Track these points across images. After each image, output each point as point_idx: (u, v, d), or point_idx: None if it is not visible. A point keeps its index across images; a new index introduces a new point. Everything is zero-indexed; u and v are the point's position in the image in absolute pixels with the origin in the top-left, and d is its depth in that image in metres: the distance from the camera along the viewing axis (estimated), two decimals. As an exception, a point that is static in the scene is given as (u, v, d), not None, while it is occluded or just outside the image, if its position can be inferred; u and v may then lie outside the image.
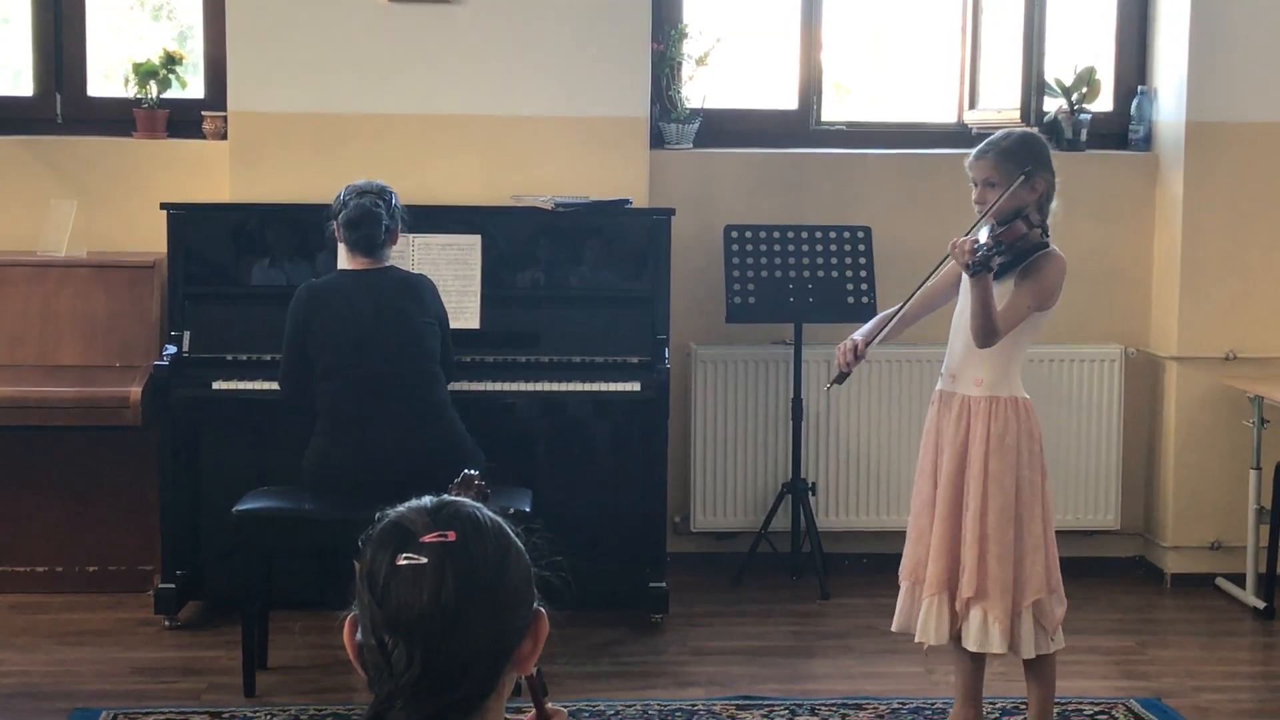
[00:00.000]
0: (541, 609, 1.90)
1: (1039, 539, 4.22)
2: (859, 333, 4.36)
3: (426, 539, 1.82)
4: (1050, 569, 4.24)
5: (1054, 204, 4.25)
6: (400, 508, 1.89)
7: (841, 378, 4.33)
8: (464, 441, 4.83)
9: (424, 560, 1.80)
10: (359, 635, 1.84)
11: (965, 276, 4.18)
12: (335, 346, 4.81)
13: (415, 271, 5.13)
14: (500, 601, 1.83)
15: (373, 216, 4.82)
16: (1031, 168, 4.17)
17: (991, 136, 4.27)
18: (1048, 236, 4.20)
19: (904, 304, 4.34)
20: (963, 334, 4.26)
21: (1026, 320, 4.19)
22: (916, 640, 4.30)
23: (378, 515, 1.89)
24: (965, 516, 4.20)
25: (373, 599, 1.82)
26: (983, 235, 4.11)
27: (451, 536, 1.82)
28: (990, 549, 4.17)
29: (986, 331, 4.12)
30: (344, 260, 4.97)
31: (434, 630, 1.78)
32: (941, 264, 4.32)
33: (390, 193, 4.92)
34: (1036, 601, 4.20)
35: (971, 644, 4.21)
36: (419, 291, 4.89)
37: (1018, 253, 4.15)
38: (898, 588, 4.48)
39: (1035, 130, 4.29)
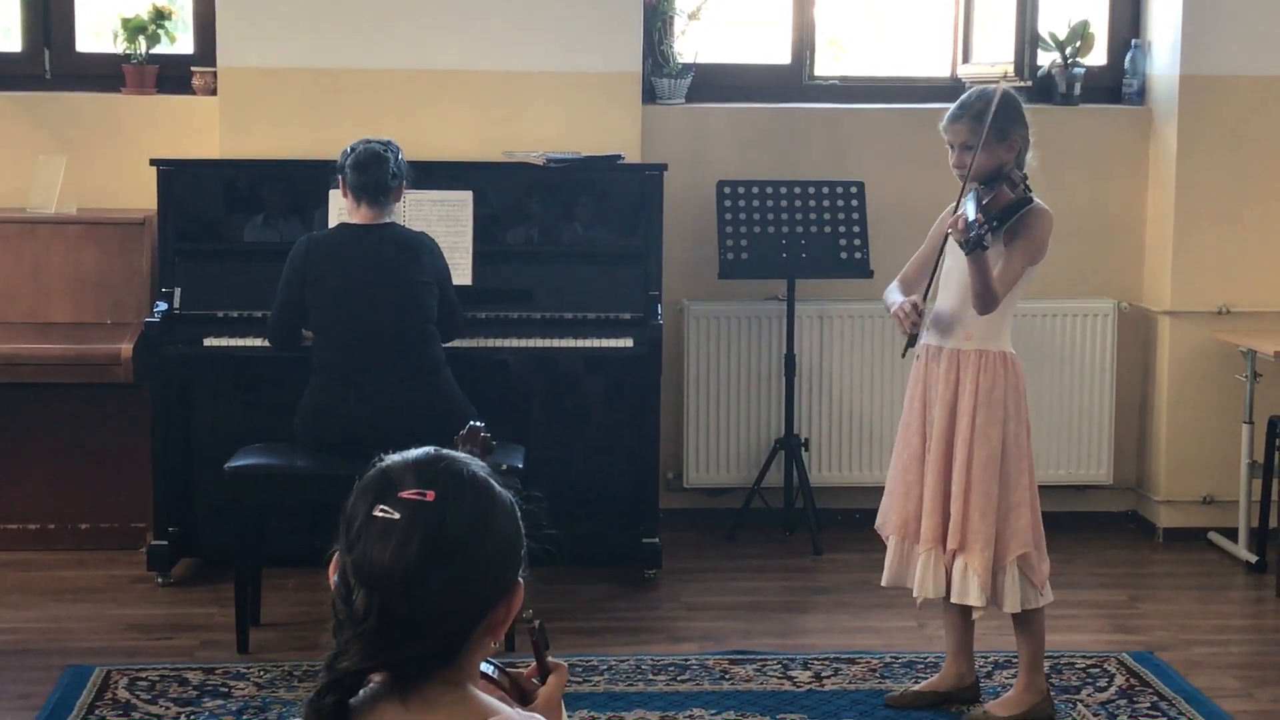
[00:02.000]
0: (521, 580, 1.88)
1: (1025, 493, 4.23)
2: (901, 295, 4.29)
3: (404, 494, 1.81)
4: (1035, 524, 4.25)
5: (1029, 155, 4.25)
6: (395, 456, 1.88)
7: (913, 340, 4.28)
8: (456, 398, 4.82)
9: (396, 516, 1.79)
10: (336, 575, 1.85)
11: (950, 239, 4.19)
12: (331, 300, 4.80)
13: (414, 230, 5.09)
14: (469, 568, 1.81)
15: (381, 159, 4.81)
16: (1013, 134, 4.17)
17: (963, 98, 4.27)
18: (1029, 190, 4.20)
19: (933, 275, 4.31)
20: (951, 290, 4.27)
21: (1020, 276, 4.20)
22: (915, 596, 4.31)
23: (375, 459, 1.89)
24: (953, 469, 4.22)
25: (345, 542, 1.82)
26: (970, 210, 4.08)
27: (430, 496, 1.81)
28: (974, 501, 4.19)
29: (987, 300, 4.13)
30: (347, 213, 4.94)
31: (392, 586, 1.77)
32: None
33: (397, 146, 4.91)
34: (1023, 556, 4.21)
35: (953, 595, 4.23)
36: (417, 251, 4.87)
37: (1003, 212, 4.14)
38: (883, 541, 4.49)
39: (1007, 86, 4.28)
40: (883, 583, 4.40)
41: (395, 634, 1.77)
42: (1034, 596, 4.26)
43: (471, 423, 2.16)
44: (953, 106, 4.26)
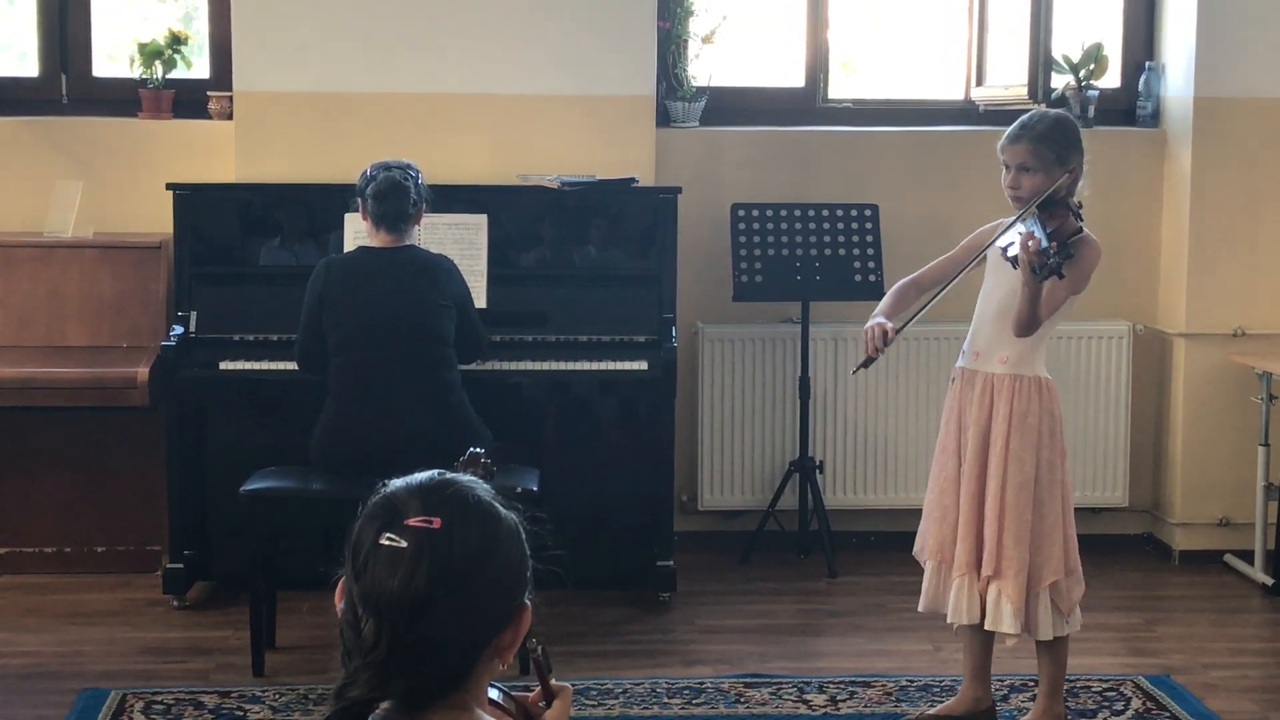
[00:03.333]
0: (528, 602, 1.88)
1: (1058, 520, 4.21)
2: (882, 314, 4.29)
3: (411, 522, 1.81)
4: (1069, 551, 4.23)
5: (1082, 183, 4.23)
6: (399, 482, 1.87)
7: (868, 362, 4.28)
8: (471, 422, 4.82)
9: (404, 544, 1.79)
10: (343, 602, 1.85)
11: (995, 257, 4.15)
12: (348, 323, 4.81)
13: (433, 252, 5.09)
14: (477, 593, 1.81)
15: (401, 189, 4.82)
16: (1072, 160, 4.15)
17: (1024, 120, 4.21)
18: (1081, 220, 4.18)
19: (937, 291, 4.30)
20: (991, 314, 4.24)
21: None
22: (949, 621, 4.28)
23: (379, 484, 1.88)
24: (986, 494, 4.20)
25: (353, 571, 1.82)
26: (1040, 233, 4.03)
27: (436, 524, 1.80)
28: (1007, 527, 4.17)
29: (1031, 326, 4.12)
30: (366, 237, 4.96)
31: (402, 614, 1.77)
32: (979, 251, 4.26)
33: (417, 169, 4.92)
34: (1053, 584, 4.20)
35: (987, 622, 4.21)
36: (435, 274, 4.87)
37: (1072, 241, 4.11)
38: (906, 565, 4.48)
39: (1065, 112, 4.25)
40: (919, 608, 4.37)
41: (404, 661, 1.77)
42: (1061, 624, 4.24)
43: (472, 449, 2.15)
44: (1012, 126, 4.22)
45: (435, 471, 1.89)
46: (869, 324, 4.27)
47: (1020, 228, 4.06)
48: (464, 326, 4.91)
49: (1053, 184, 4.12)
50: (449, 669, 1.80)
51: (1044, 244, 3.96)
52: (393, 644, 1.77)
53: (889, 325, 4.24)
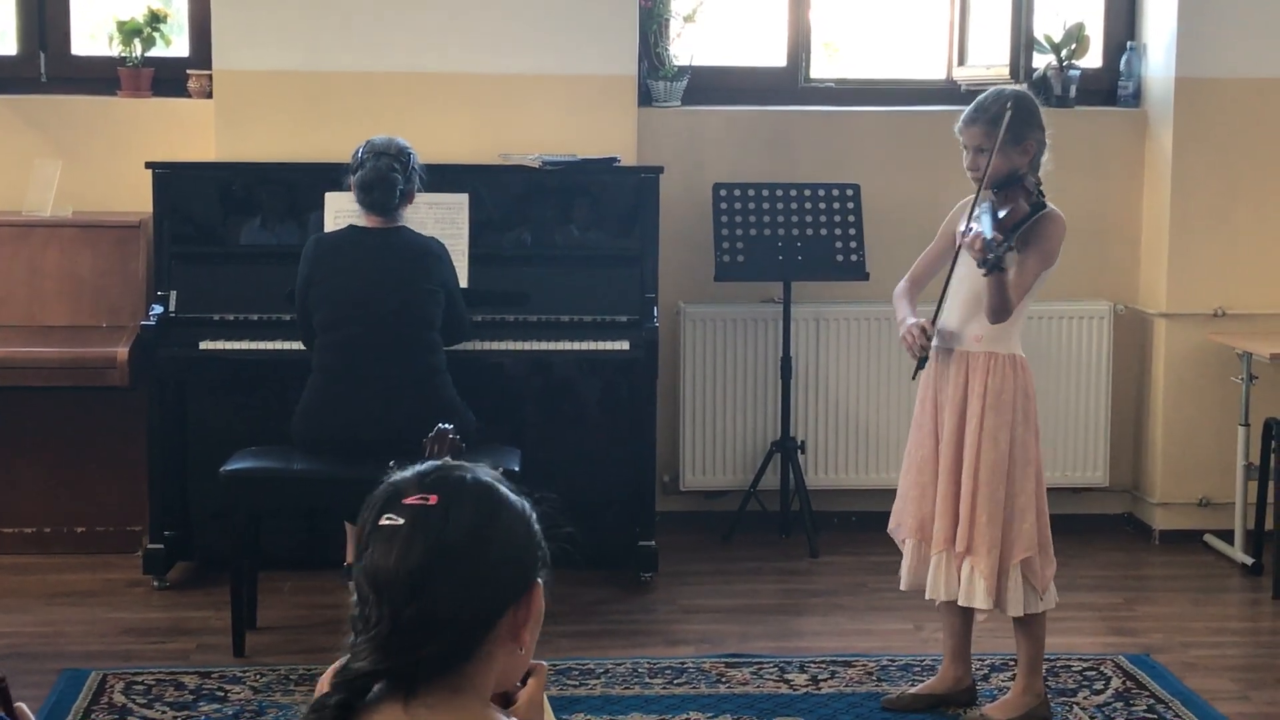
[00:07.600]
0: (539, 581, 1.90)
1: (1031, 497, 4.23)
2: (911, 315, 4.30)
3: (407, 501, 1.84)
4: (1041, 528, 4.25)
5: (1045, 157, 4.24)
6: (408, 468, 1.91)
7: (923, 363, 4.29)
8: (453, 405, 4.80)
9: (401, 521, 1.83)
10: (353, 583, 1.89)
11: (960, 238, 4.18)
12: (334, 302, 4.80)
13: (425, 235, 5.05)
14: (475, 570, 1.83)
15: (388, 182, 4.79)
16: (1029, 137, 4.17)
17: (979, 100, 4.23)
18: (1043, 196, 4.19)
19: (946, 284, 4.31)
20: (961, 293, 4.25)
21: None
22: (928, 597, 4.30)
23: (389, 468, 1.93)
24: (962, 471, 4.21)
25: (359, 552, 1.86)
26: (986, 226, 4.05)
27: (432, 500, 1.84)
28: (980, 504, 4.19)
29: (1002, 313, 4.14)
30: (353, 216, 4.94)
31: (399, 591, 1.80)
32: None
33: (409, 153, 4.88)
34: (1026, 560, 4.22)
35: (960, 598, 4.23)
36: (425, 258, 4.86)
37: (1019, 226, 4.12)
38: (887, 545, 4.49)
39: (1024, 89, 4.27)
40: (901, 586, 4.39)
41: (406, 637, 1.80)
42: (1035, 600, 4.26)
43: (440, 426, 2.17)
44: (968, 108, 4.24)
45: (438, 461, 1.94)
46: (904, 330, 4.28)
47: (974, 223, 4.08)
48: (450, 311, 4.90)
49: (1010, 164, 4.15)
50: (451, 647, 1.82)
51: (987, 236, 3.99)
52: (394, 620, 1.80)
53: (924, 321, 4.26)
